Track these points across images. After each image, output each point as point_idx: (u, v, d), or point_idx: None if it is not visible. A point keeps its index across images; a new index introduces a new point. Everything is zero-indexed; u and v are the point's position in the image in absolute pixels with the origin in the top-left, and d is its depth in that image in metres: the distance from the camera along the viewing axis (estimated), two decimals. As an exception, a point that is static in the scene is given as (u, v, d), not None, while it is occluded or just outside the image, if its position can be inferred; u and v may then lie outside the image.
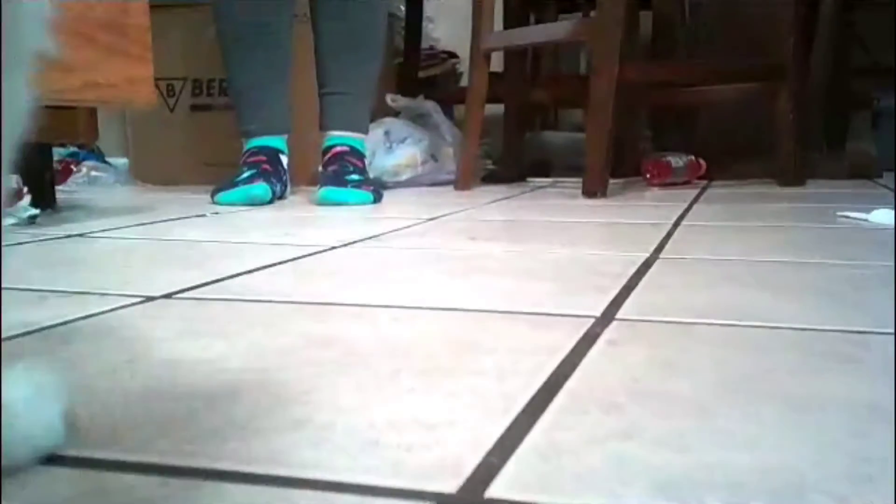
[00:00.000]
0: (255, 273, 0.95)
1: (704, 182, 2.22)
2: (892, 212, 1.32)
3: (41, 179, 1.59)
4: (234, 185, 1.80)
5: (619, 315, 0.72)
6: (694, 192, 1.95)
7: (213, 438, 0.45)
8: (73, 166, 2.46)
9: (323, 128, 1.90)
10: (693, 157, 2.24)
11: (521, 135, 2.85)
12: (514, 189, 2.14)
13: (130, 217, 1.55)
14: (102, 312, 0.74)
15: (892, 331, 0.65)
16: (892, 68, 2.45)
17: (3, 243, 1.17)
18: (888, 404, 0.48)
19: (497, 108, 2.73)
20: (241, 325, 0.71)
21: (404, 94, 2.45)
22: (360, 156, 1.90)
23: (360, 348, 0.64)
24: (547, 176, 2.53)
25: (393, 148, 2.22)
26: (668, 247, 1.12)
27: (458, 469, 0.40)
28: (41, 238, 1.25)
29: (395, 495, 0.38)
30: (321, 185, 1.83)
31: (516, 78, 2.79)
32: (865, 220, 1.36)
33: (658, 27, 2.69)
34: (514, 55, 2.79)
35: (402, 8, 2.89)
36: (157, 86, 1.65)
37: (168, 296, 0.81)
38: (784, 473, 0.39)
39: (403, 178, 2.21)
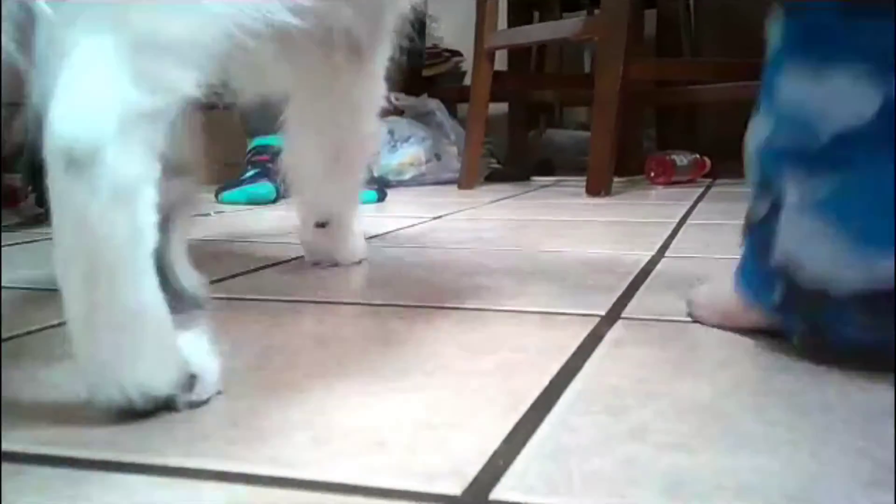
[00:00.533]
0: (260, 272, 0.94)
1: (709, 180, 2.22)
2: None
3: (46, 178, 1.59)
4: (239, 184, 1.80)
5: (624, 314, 0.72)
6: (698, 191, 1.94)
7: (216, 438, 0.45)
8: (77, 165, 2.46)
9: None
10: (697, 156, 2.24)
11: (524, 134, 2.85)
12: (518, 188, 2.14)
13: (134, 216, 1.54)
14: (106, 312, 0.74)
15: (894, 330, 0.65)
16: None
17: (4, 243, 1.17)
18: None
19: (501, 107, 2.73)
20: (245, 325, 0.71)
21: (408, 92, 2.45)
22: None
23: (364, 348, 0.63)
24: (551, 175, 2.53)
25: (397, 147, 2.22)
26: (673, 245, 1.11)
27: (463, 470, 0.40)
28: (46, 237, 1.25)
29: (400, 497, 0.38)
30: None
31: (520, 76, 2.79)
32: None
33: (663, 25, 2.68)
34: (517, 54, 2.79)
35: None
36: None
37: (172, 295, 0.81)
38: (794, 475, 0.39)
39: (407, 176, 2.21)
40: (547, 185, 2.26)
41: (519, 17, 2.68)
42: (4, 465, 0.41)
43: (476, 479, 0.39)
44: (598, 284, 0.85)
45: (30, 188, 1.43)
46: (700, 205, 1.66)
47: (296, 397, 0.51)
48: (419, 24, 2.79)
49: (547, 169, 2.59)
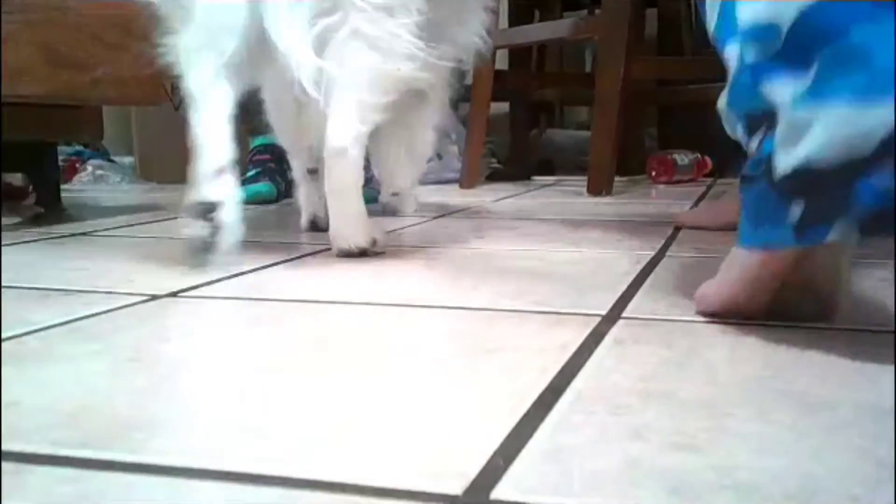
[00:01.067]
0: (261, 272, 0.94)
1: (710, 179, 2.21)
2: None
3: (46, 178, 1.59)
4: (240, 183, 1.80)
5: (625, 313, 0.72)
6: (700, 190, 1.94)
7: (216, 438, 0.45)
8: (78, 165, 2.46)
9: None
10: (699, 155, 2.23)
11: (526, 133, 2.85)
12: (520, 187, 2.14)
13: (135, 215, 1.54)
14: (107, 311, 0.74)
15: (894, 330, 0.65)
16: None
17: (4, 242, 1.16)
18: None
19: (502, 107, 2.72)
20: (246, 324, 0.71)
21: (409, 92, 2.45)
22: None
23: (366, 347, 0.63)
24: (552, 174, 2.53)
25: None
26: (674, 245, 1.11)
27: (463, 470, 0.40)
28: (46, 236, 1.25)
29: (400, 497, 0.38)
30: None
31: (521, 76, 2.79)
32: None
33: (664, 24, 2.68)
34: (518, 53, 2.78)
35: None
36: (162, 84, 1.65)
37: (173, 294, 0.81)
38: (797, 475, 0.39)
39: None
40: (548, 184, 2.26)
41: (520, 16, 2.68)
42: (4, 465, 0.41)
43: (477, 479, 0.39)
44: (599, 284, 0.85)
45: (30, 187, 1.43)
46: (702, 204, 1.66)
47: (295, 397, 0.51)
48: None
49: (548, 168, 2.59)
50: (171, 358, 0.60)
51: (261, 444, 0.44)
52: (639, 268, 0.93)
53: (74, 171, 2.43)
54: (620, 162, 1.94)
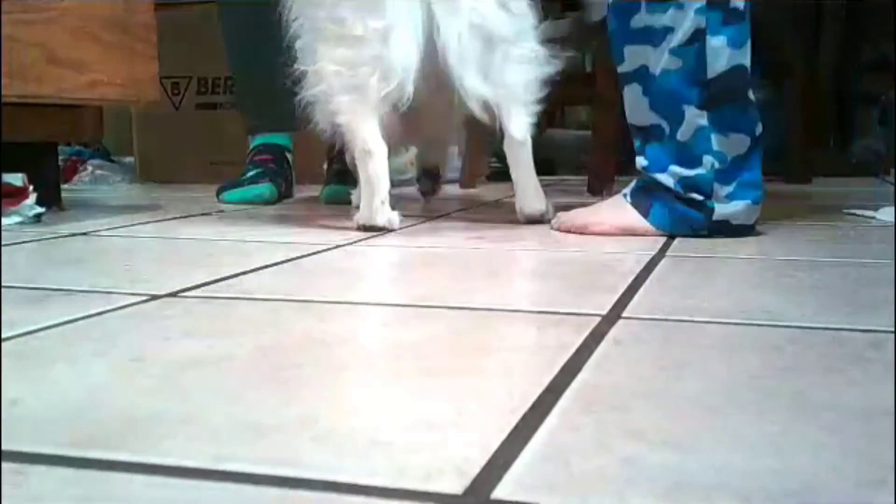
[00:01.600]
0: (261, 272, 0.95)
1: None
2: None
3: (47, 178, 1.59)
4: (240, 184, 1.80)
5: (625, 314, 0.72)
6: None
7: (217, 438, 0.45)
8: (78, 165, 2.46)
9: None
10: (699, 155, 2.23)
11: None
12: (520, 187, 2.13)
13: (136, 215, 1.55)
14: (108, 311, 0.74)
15: (894, 330, 0.65)
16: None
17: (4, 242, 1.16)
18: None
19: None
20: (246, 324, 0.71)
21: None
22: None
23: (365, 348, 0.63)
24: (552, 174, 2.53)
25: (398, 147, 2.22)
26: (674, 244, 1.11)
27: (463, 470, 0.40)
28: (46, 236, 1.25)
29: (401, 496, 0.38)
30: (326, 183, 1.82)
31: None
32: (873, 217, 1.35)
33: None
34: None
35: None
36: (162, 84, 1.65)
37: (173, 294, 0.81)
38: (795, 476, 0.39)
39: (408, 176, 2.21)
40: (549, 184, 2.25)
41: (520, 16, 2.67)
42: (4, 465, 0.41)
43: (477, 479, 0.39)
44: (599, 284, 0.85)
45: (31, 187, 1.43)
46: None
47: (296, 397, 0.51)
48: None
49: (548, 168, 2.59)
50: (171, 358, 0.60)
51: (261, 444, 0.44)
52: (639, 268, 0.93)
53: (74, 171, 2.43)
54: (621, 162, 1.94)
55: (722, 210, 1.15)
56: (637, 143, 1.20)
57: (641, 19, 1.15)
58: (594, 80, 1.95)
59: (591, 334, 0.65)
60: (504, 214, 1.49)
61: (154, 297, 0.80)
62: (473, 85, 1.24)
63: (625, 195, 1.23)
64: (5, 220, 1.36)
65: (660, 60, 1.14)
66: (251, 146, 1.91)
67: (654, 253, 1.03)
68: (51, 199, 1.56)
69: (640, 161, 1.19)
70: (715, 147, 1.14)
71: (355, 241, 1.16)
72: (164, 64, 1.63)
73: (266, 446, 0.43)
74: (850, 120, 2.80)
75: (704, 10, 1.12)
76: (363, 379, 0.55)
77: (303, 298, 0.80)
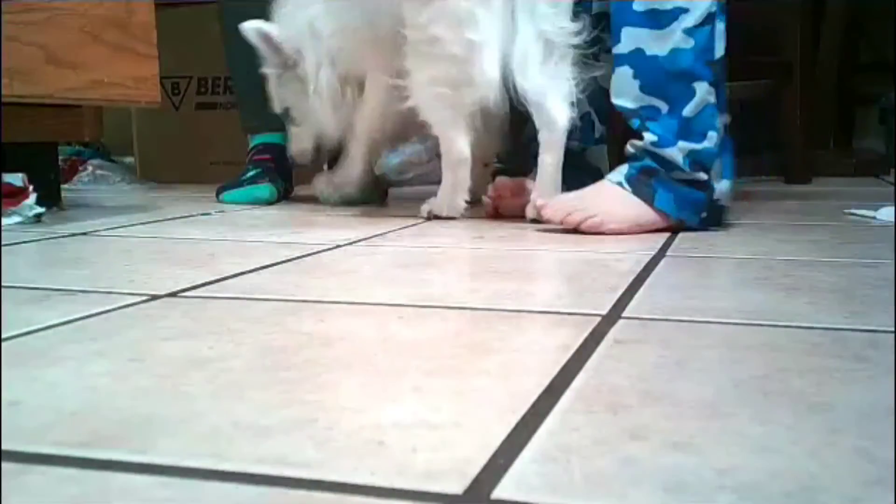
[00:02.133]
0: (261, 272, 0.94)
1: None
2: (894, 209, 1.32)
3: (47, 178, 1.59)
4: (240, 184, 1.80)
5: (625, 314, 0.72)
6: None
7: (217, 438, 0.45)
8: (78, 165, 2.46)
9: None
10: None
11: (526, 133, 2.84)
12: (520, 187, 2.14)
13: (136, 215, 1.55)
14: (107, 311, 0.74)
15: (894, 330, 0.65)
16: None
17: (4, 242, 1.16)
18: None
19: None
20: (246, 324, 0.71)
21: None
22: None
23: (365, 348, 0.63)
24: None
25: (398, 146, 2.22)
26: (674, 244, 1.11)
27: (464, 470, 0.40)
28: (47, 236, 1.25)
29: (401, 496, 0.38)
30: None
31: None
32: (873, 217, 1.36)
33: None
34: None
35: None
36: (162, 84, 1.65)
37: (173, 294, 0.81)
38: (796, 475, 0.39)
39: (409, 176, 2.21)
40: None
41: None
42: (5, 465, 0.41)
43: (477, 479, 0.39)
44: (599, 284, 0.85)
45: (31, 187, 1.43)
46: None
47: (296, 397, 0.51)
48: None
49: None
50: (171, 358, 0.60)
51: (261, 444, 0.44)
52: (639, 268, 0.93)
53: (74, 171, 2.42)
54: (621, 161, 1.94)
55: (717, 188, 1.24)
56: (636, 123, 1.25)
57: (644, 2, 1.21)
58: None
59: (591, 334, 0.65)
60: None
61: (154, 297, 0.80)
62: (532, 86, 1.33)
63: (619, 183, 1.25)
64: (5, 220, 1.36)
65: (666, 41, 1.20)
66: (251, 146, 1.91)
67: (654, 253, 1.03)
68: (51, 199, 1.56)
69: (649, 137, 1.23)
70: (717, 124, 1.23)
71: (355, 241, 1.16)
72: (164, 64, 1.63)
73: (266, 446, 0.43)
74: (850, 120, 2.81)
75: None
76: (363, 379, 0.55)
77: (303, 298, 0.80)
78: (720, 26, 1.24)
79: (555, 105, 1.36)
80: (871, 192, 1.86)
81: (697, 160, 1.21)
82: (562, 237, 1.20)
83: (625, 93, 1.26)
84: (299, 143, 1.71)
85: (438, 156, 2.25)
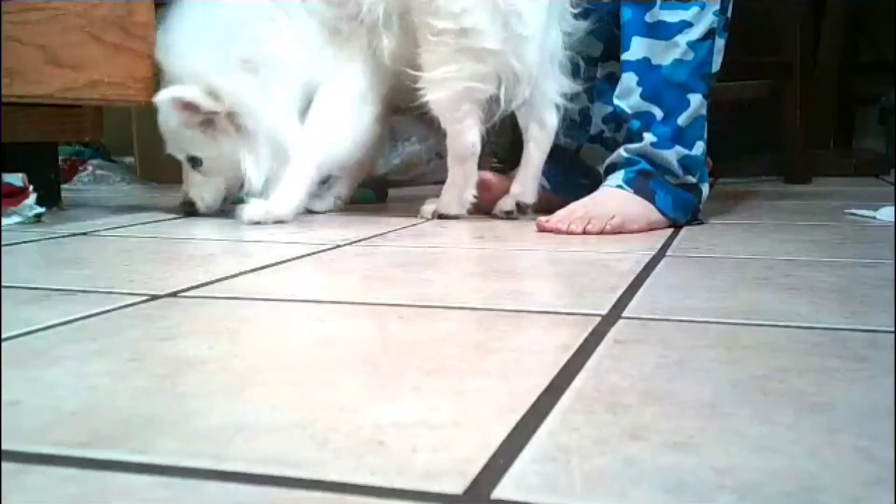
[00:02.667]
0: (261, 272, 0.94)
1: (710, 179, 2.21)
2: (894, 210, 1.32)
3: (47, 178, 1.59)
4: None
5: (625, 313, 0.72)
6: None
7: (217, 438, 0.45)
8: (78, 165, 2.46)
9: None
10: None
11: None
12: (520, 187, 2.13)
13: (136, 215, 1.54)
14: (107, 311, 0.74)
15: (894, 330, 0.65)
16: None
17: (4, 242, 1.16)
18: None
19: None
20: (246, 324, 0.71)
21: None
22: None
23: (365, 348, 0.63)
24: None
25: (398, 146, 2.22)
26: (674, 244, 1.11)
27: (464, 470, 0.40)
28: (46, 236, 1.25)
29: (401, 496, 0.38)
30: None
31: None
32: (873, 217, 1.36)
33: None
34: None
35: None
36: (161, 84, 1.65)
37: (173, 294, 0.81)
38: (796, 475, 0.39)
39: (409, 175, 2.21)
40: (548, 184, 2.26)
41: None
42: (4, 465, 0.41)
43: (477, 479, 0.39)
44: (599, 284, 0.85)
45: (31, 187, 1.43)
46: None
47: (296, 397, 0.51)
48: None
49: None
50: (171, 358, 0.60)
51: (261, 444, 0.44)
52: (639, 268, 0.93)
53: (74, 171, 2.42)
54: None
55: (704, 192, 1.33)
56: (636, 125, 1.30)
57: (655, 14, 1.27)
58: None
59: (591, 334, 0.65)
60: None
61: (154, 297, 0.80)
62: (549, 86, 1.36)
63: (619, 187, 1.29)
64: (5, 220, 1.36)
65: (670, 52, 1.26)
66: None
67: (654, 253, 1.03)
68: (51, 199, 1.56)
69: (649, 137, 1.28)
70: (705, 135, 1.31)
71: (355, 241, 1.16)
72: (164, 64, 1.63)
73: (266, 446, 0.43)
74: (850, 120, 2.81)
75: (718, 13, 1.28)
76: (363, 379, 0.55)
77: (303, 298, 0.80)
78: (720, 42, 1.30)
79: (544, 107, 1.39)
80: (871, 192, 1.86)
81: (688, 165, 1.29)
82: (562, 237, 1.20)
83: (626, 97, 1.30)
84: (207, 194, 1.49)
85: (438, 156, 2.27)
